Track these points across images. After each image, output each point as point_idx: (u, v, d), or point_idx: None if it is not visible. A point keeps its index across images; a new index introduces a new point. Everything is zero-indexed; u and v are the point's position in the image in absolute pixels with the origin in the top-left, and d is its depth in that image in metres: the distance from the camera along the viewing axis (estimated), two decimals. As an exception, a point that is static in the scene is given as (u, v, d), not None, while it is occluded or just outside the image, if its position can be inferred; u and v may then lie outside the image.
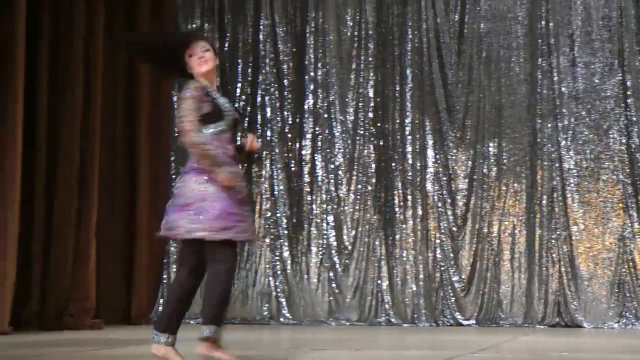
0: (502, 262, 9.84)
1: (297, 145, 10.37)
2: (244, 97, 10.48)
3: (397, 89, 10.28)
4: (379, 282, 10.00)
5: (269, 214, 10.29)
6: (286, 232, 10.27)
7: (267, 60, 10.49)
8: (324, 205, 10.26)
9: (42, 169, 8.75)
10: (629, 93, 9.77)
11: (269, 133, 10.42)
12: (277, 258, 10.22)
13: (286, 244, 10.24)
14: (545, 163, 9.87)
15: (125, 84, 9.88)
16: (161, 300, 10.03)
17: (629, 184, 9.67)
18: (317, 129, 10.36)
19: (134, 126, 9.87)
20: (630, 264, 9.54)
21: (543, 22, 10.00)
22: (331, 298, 10.07)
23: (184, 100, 5.21)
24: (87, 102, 9.02)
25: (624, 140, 9.74)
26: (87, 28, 9.04)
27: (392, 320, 9.86)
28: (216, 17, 10.58)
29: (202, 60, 5.33)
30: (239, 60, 10.52)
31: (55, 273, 8.71)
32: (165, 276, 10.11)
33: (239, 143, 5.47)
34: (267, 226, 10.28)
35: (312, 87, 10.41)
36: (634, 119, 9.74)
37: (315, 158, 10.35)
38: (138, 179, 9.79)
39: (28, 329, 8.35)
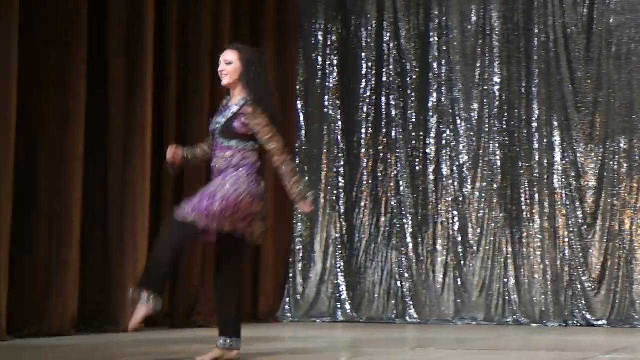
0: (635, 260, 9.59)
1: (422, 143, 10.33)
2: (366, 96, 10.49)
3: (524, 85, 10.13)
4: (506, 281, 9.88)
5: (395, 212, 10.28)
6: (411, 230, 10.24)
7: (391, 59, 10.47)
8: (450, 204, 10.19)
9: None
10: None
11: (393, 133, 10.40)
12: (404, 257, 10.20)
13: (412, 243, 10.21)
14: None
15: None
16: (287, 299, 10.17)
17: None
18: (441, 126, 10.30)
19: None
20: None
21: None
22: (457, 297, 10.00)
23: None
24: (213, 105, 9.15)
25: None
26: (214, 31, 9.17)
27: (520, 320, 9.72)
28: (339, 16, 10.63)
29: (222, 74, 5.42)
30: (362, 60, 10.54)
31: (185, 273, 8.90)
32: (290, 275, 10.24)
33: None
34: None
35: (435, 85, 10.35)
36: None
37: (440, 156, 10.28)
38: (265, 181, 9.90)
39: (160, 327, 8.55)
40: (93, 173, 7.92)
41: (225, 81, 5.39)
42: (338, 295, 10.27)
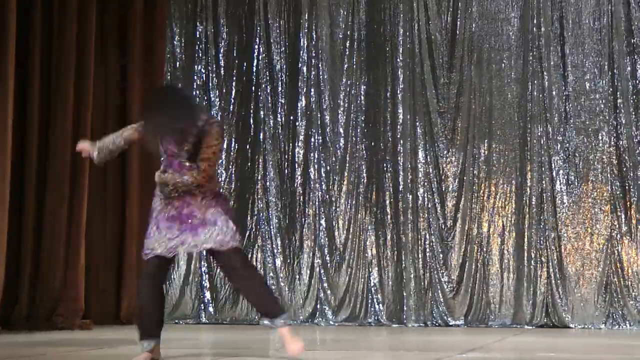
0: (492, 263, 9.88)
1: (290, 146, 10.39)
2: (238, 98, 10.50)
3: (389, 89, 10.30)
4: (370, 282, 10.02)
5: (262, 214, 10.31)
6: (278, 232, 10.28)
7: (260, 61, 10.50)
8: (317, 207, 10.27)
9: (32, 168, 8.75)
10: (618, 94, 9.80)
11: (261, 135, 10.43)
12: (269, 258, 10.23)
13: (279, 245, 10.25)
14: (535, 164, 9.90)
15: (117, 83, 9.88)
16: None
17: (618, 186, 9.70)
18: (310, 130, 10.37)
19: (126, 126, 9.85)
20: (618, 265, 9.59)
21: (535, 23, 10.02)
22: (323, 298, 10.07)
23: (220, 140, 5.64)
24: (79, 101, 9.02)
25: (612, 142, 9.78)
26: (80, 28, 9.04)
27: (382, 320, 9.89)
28: (210, 19, 10.59)
29: None
30: (235, 62, 10.54)
31: (45, 273, 8.71)
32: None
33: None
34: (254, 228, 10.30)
35: (304, 88, 10.43)
36: (623, 120, 9.77)
37: (308, 160, 10.36)
38: (129, 179, 9.79)
39: (18, 330, 8.34)
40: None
41: None
42: (202, 296, 10.23)
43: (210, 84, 10.55)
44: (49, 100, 8.92)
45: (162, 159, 5.61)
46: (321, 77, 10.40)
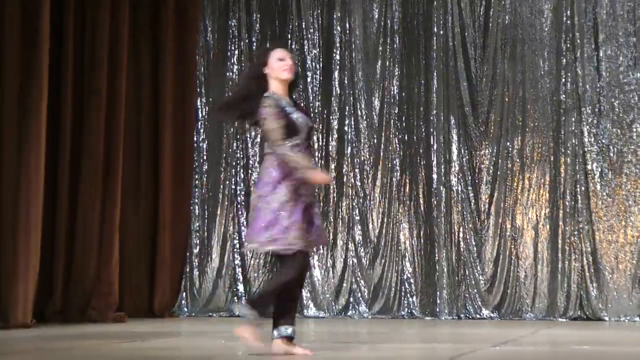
0: (525, 255, 9.84)
1: (324, 141, 10.39)
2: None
3: (423, 82, 10.27)
4: (404, 275, 10.01)
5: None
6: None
7: (294, 56, 10.50)
8: (351, 200, 10.27)
9: (66, 164, 8.83)
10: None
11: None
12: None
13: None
14: (569, 157, 9.84)
15: (150, 81, 9.95)
16: (184, 294, 10.14)
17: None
18: (344, 124, 10.37)
19: (158, 122, 9.95)
20: (653, 257, 9.53)
21: (568, 15, 9.95)
22: (355, 290, 10.08)
23: (268, 117, 5.33)
24: (112, 99, 9.10)
25: (647, 134, 9.70)
26: (112, 26, 9.11)
27: (415, 313, 9.88)
28: (243, 12, 10.61)
29: (288, 67, 5.44)
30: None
31: (79, 267, 8.80)
32: (187, 269, 10.20)
33: None
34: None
35: (338, 82, 10.42)
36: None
37: (343, 153, 10.35)
38: (161, 175, 9.87)
39: (52, 323, 8.43)
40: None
41: (287, 75, 5.46)
42: (235, 289, 10.28)
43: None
44: (82, 95, 9.00)
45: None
46: (355, 70, 10.39)
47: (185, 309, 10.18)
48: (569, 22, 9.96)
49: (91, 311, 8.72)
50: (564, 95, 9.91)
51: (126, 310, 9.14)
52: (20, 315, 7.77)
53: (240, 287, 10.27)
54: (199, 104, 10.49)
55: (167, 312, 9.81)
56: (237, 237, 10.34)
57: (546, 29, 10.03)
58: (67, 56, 8.83)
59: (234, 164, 10.45)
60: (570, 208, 9.77)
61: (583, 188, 9.76)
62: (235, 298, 10.24)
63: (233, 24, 10.63)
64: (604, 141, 9.79)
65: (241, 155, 10.48)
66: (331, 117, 10.41)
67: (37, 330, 7.69)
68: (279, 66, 5.43)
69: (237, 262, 10.33)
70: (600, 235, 9.66)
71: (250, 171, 10.42)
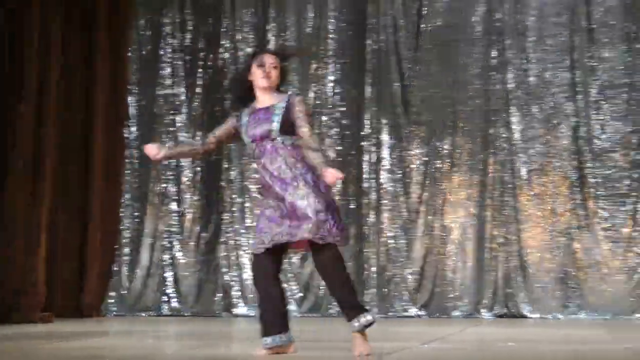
0: (453, 254, 9.98)
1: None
2: (204, 91, 10.49)
3: (356, 82, 10.35)
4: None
5: (225, 205, 10.34)
6: (242, 226, 10.31)
7: (227, 55, 10.49)
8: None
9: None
10: (578, 89, 9.93)
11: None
12: (232, 251, 10.27)
13: (243, 238, 10.29)
14: (497, 157, 10.01)
15: (81, 77, 9.82)
16: (113, 293, 10.07)
17: (577, 179, 9.85)
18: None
19: (90, 119, 9.83)
20: (576, 256, 9.75)
21: (498, 17, 10.12)
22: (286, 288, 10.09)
23: None
24: (42, 94, 8.96)
25: (573, 135, 9.91)
26: (42, 20, 8.98)
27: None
28: (177, 11, 10.57)
29: (264, 75, 5.45)
30: (200, 55, 10.52)
31: (4, 266, 8.66)
32: (117, 268, 10.12)
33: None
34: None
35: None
36: (583, 114, 9.91)
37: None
38: (92, 172, 9.76)
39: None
40: None
41: (264, 83, 5.46)
42: (164, 289, 10.23)
43: (177, 75, 10.52)
44: (12, 90, 8.83)
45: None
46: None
47: (114, 309, 10.11)
48: (498, 24, 10.12)
49: (17, 311, 8.58)
50: (493, 97, 10.07)
51: (53, 310, 9.02)
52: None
53: (170, 287, 10.23)
54: (131, 101, 10.41)
55: (95, 312, 9.71)
56: (167, 237, 10.29)
57: (477, 32, 10.18)
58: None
59: (165, 162, 10.39)
60: (498, 208, 9.94)
61: (510, 188, 9.94)
62: (165, 297, 10.20)
63: (166, 21, 10.57)
64: (531, 142, 9.98)
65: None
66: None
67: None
68: (257, 74, 5.48)
69: (166, 261, 10.28)
70: (526, 235, 9.86)
71: (182, 170, 10.38)
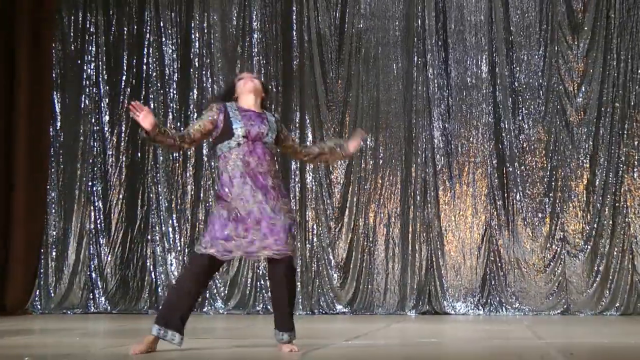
0: (377, 252, 10.13)
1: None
2: (128, 89, 10.46)
3: (281, 83, 10.41)
4: (259, 271, 10.13)
5: (152, 204, 10.32)
6: (170, 222, 10.31)
7: (152, 54, 10.48)
8: (208, 198, 10.34)
9: None
10: (498, 89, 10.16)
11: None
12: (158, 248, 10.25)
13: (170, 235, 10.29)
14: (420, 157, 10.18)
15: (4, 75, 9.72)
16: (38, 291, 9.99)
17: (496, 177, 10.07)
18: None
19: (13, 116, 9.74)
20: (496, 254, 9.97)
21: (419, 21, 10.29)
22: (211, 285, 10.14)
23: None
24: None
25: (492, 136, 10.12)
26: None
27: (269, 308, 10.02)
28: (100, 9, 10.53)
29: (249, 79, 5.67)
30: (125, 53, 10.49)
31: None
32: (42, 266, 10.06)
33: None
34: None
35: (196, 81, 10.45)
36: (502, 114, 10.14)
37: (200, 150, 10.38)
38: (16, 170, 9.68)
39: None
40: None
41: (253, 86, 5.63)
42: (91, 286, 10.19)
43: (100, 77, 10.48)
44: None
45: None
46: (213, 71, 10.44)
47: (39, 306, 10.04)
48: (420, 27, 10.28)
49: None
50: (415, 98, 10.24)
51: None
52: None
53: (97, 284, 10.19)
54: (55, 99, 10.35)
55: (20, 310, 9.64)
56: (93, 234, 10.26)
57: (398, 33, 10.34)
58: None
59: (91, 160, 10.36)
60: (421, 206, 10.12)
61: (433, 187, 10.13)
62: (91, 295, 10.16)
63: (91, 20, 10.52)
64: (452, 142, 10.18)
65: (98, 152, 10.39)
66: (190, 116, 10.44)
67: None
68: (240, 83, 5.67)
69: (93, 259, 10.24)
70: (448, 233, 10.05)
71: (108, 168, 10.35)
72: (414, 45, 10.28)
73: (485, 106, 10.16)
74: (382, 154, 10.26)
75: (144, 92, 10.44)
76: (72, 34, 10.50)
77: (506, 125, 10.10)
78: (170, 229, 10.28)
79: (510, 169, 10.05)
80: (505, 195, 10.04)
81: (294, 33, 10.43)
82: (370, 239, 10.17)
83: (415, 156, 10.19)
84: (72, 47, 10.48)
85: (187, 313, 5.45)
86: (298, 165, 10.24)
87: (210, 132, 5.60)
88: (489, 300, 9.91)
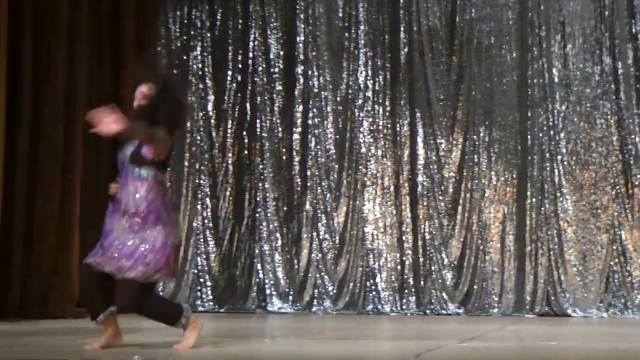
0: (492, 251, 9.82)
1: (288, 133, 10.30)
2: (234, 85, 10.41)
3: (388, 77, 10.22)
4: (367, 270, 9.96)
5: (259, 202, 10.25)
6: (276, 222, 10.21)
7: (257, 48, 10.42)
8: (318, 193, 10.20)
9: (24, 159, 8.64)
10: (619, 79, 9.74)
11: (258, 121, 10.35)
12: (266, 247, 10.17)
13: (277, 234, 10.18)
14: (536, 150, 9.84)
15: (109, 80, 9.75)
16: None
17: (619, 172, 9.65)
18: (308, 117, 10.29)
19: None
20: (620, 253, 9.56)
21: (534, 9, 9.96)
22: (319, 287, 10.01)
23: None
24: (69, 94, 8.92)
25: (614, 128, 9.71)
26: (71, 16, 8.93)
27: (379, 308, 9.82)
28: (205, 4, 10.52)
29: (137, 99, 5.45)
30: (229, 48, 10.45)
31: (37, 262, 8.61)
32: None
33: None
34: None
35: (301, 76, 10.35)
36: (624, 105, 9.71)
37: (307, 145, 10.27)
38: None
39: (13, 319, 8.24)
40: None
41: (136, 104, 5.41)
42: (199, 285, 10.17)
43: (206, 70, 10.46)
44: (40, 87, 8.80)
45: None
46: (320, 65, 10.32)
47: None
48: (535, 16, 10.01)
49: (50, 306, 8.53)
50: (530, 89, 9.93)
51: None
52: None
53: (205, 283, 10.16)
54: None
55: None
56: (201, 231, 10.22)
57: (512, 22, 10.00)
58: (26, 52, 8.63)
59: (197, 157, 10.35)
60: (538, 202, 9.77)
61: (550, 182, 9.82)
62: (198, 293, 10.14)
63: (196, 15, 10.52)
64: (571, 134, 9.87)
65: (205, 149, 10.38)
66: (296, 111, 10.31)
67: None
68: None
69: (201, 257, 10.21)
70: (568, 231, 9.70)
71: (215, 165, 10.33)
72: (528, 34, 9.92)
73: (604, 97, 9.74)
74: (496, 148, 9.95)
75: (250, 87, 10.35)
76: (177, 31, 10.49)
77: (628, 117, 9.65)
78: (277, 226, 10.17)
79: (635, 163, 9.63)
80: (630, 191, 9.60)
81: (402, 24, 10.19)
82: (485, 238, 9.86)
83: (531, 151, 9.84)
84: (178, 44, 10.47)
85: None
86: (411, 160, 10.00)
87: None
88: (613, 302, 9.48)
